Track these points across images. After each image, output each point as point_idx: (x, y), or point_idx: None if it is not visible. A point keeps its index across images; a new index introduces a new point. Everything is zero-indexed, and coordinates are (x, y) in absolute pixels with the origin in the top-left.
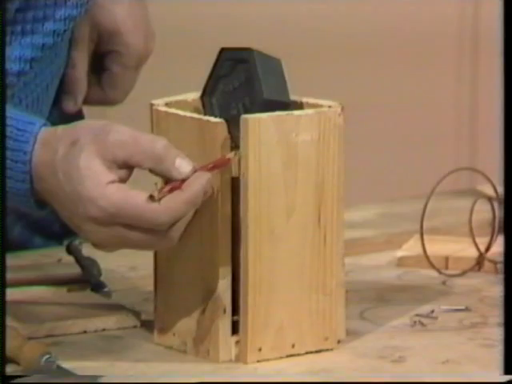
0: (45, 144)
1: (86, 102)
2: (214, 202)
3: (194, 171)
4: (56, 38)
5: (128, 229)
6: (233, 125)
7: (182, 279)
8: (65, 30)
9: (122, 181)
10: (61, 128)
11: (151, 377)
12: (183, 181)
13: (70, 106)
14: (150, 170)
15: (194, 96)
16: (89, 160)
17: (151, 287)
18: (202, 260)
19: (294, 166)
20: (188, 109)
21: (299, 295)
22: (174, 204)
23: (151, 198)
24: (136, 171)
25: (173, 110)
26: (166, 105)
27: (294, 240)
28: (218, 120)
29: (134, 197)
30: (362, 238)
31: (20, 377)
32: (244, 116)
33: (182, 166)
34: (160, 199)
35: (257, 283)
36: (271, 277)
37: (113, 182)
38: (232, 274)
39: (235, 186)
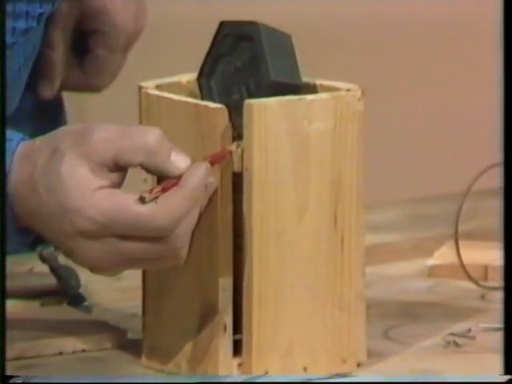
0: (23, 160)
1: (66, 87)
2: (212, 202)
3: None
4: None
5: (123, 240)
6: (235, 111)
7: (176, 291)
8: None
9: (115, 186)
10: (39, 139)
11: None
12: (179, 177)
13: (45, 90)
14: (143, 167)
15: (189, 77)
16: (72, 167)
17: (139, 300)
18: (199, 269)
19: (305, 160)
20: (183, 92)
21: (312, 310)
22: (171, 202)
23: (141, 199)
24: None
25: (165, 94)
26: (157, 87)
27: (306, 246)
28: (217, 105)
29: (125, 201)
30: (386, 244)
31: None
32: (248, 101)
33: (178, 160)
34: (153, 200)
35: (262, 296)
36: (279, 289)
37: (101, 187)
38: (234, 285)
39: (237, 182)
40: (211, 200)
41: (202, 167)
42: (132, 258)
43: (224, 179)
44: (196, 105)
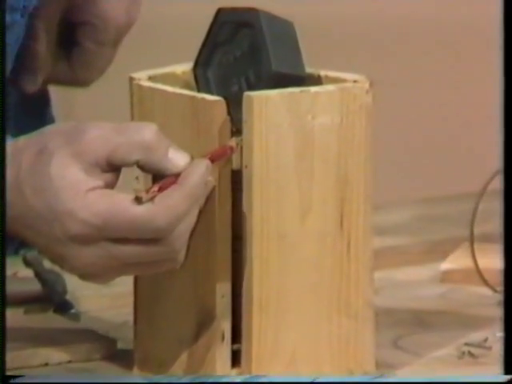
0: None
1: (52, 81)
2: (210, 202)
3: None
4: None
5: (119, 244)
6: (233, 104)
7: (170, 297)
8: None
9: (108, 187)
10: (23, 138)
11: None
12: (177, 175)
13: (28, 84)
14: (139, 165)
15: (184, 68)
16: (62, 167)
17: (130, 308)
18: (196, 273)
19: (309, 156)
20: (178, 84)
21: (316, 318)
22: (171, 201)
23: (137, 200)
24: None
25: (159, 86)
26: (150, 79)
27: (310, 248)
28: (214, 98)
29: (121, 202)
30: (396, 247)
31: (20, 377)
32: (247, 93)
33: (177, 157)
34: (150, 200)
35: (263, 302)
36: (281, 294)
37: (94, 188)
38: (232, 290)
39: (236, 181)
40: (208, 200)
41: (202, 164)
42: (127, 262)
43: (222, 177)
44: (192, 97)
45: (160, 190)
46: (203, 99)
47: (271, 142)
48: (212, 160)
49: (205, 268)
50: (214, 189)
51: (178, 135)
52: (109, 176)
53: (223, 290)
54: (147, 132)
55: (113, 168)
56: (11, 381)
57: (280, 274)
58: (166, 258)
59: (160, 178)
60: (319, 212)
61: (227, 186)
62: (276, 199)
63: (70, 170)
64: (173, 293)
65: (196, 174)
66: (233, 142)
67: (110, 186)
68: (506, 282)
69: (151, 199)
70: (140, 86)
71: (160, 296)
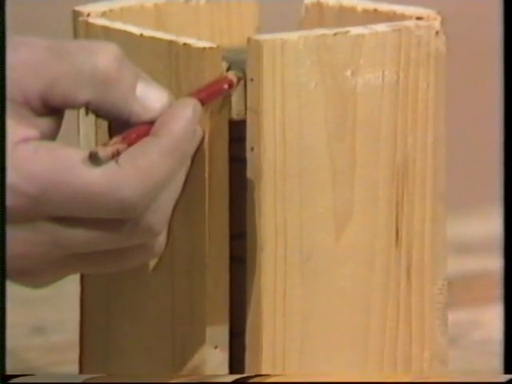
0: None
1: None
2: (196, 200)
3: None
4: None
5: (65, 224)
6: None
7: (136, 350)
8: None
9: (46, 137)
10: None
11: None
12: (150, 123)
13: None
14: (91, 107)
15: None
16: None
17: (75, 365)
18: (175, 313)
19: (349, 134)
20: (147, 22)
21: (361, 380)
22: (144, 160)
23: (92, 157)
24: None
25: (118, 25)
26: (105, 14)
27: (350, 275)
28: (205, 44)
29: (67, 160)
30: (485, 274)
31: (20, 376)
32: (253, 37)
33: (150, 94)
34: (112, 158)
35: (278, 357)
36: (306, 346)
37: (26, 139)
38: (230, 339)
39: (237, 171)
40: (196, 198)
41: (188, 106)
42: (77, 252)
43: (216, 165)
44: (170, 43)
45: (127, 142)
46: (187, 46)
47: (291, 111)
48: (202, 100)
49: (189, 306)
50: (204, 180)
51: None
52: (46, 121)
53: (217, 338)
54: (102, 55)
55: (51, 110)
56: (11, 381)
57: (304, 315)
58: (137, 246)
59: (124, 127)
60: (364, 219)
61: (224, 178)
62: (298, 200)
63: None
64: (140, 342)
65: (180, 121)
66: (231, 75)
67: (49, 136)
68: (505, 281)
69: (114, 157)
70: (89, 25)
71: (121, 348)
